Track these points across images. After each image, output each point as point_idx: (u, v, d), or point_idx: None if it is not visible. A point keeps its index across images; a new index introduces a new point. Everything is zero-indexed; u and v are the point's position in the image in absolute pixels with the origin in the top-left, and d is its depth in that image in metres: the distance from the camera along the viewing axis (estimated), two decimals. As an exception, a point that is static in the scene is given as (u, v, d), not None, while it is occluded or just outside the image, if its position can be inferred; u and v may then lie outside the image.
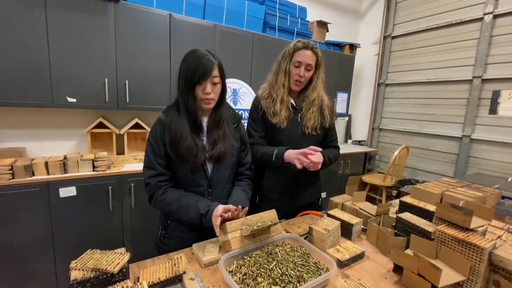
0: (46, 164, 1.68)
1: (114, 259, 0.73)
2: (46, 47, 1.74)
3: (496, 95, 2.61)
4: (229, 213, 0.94)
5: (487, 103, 2.68)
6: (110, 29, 1.91)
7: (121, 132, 2.15)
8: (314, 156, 1.17)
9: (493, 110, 2.63)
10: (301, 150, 1.16)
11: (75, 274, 0.68)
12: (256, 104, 1.34)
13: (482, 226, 0.87)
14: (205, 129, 1.07)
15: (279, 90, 1.28)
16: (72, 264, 0.70)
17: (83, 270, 0.69)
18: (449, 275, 0.77)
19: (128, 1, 1.98)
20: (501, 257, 0.75)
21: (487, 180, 2.26)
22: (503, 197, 1.64)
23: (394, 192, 2.76)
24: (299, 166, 1.16)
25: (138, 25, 2.00)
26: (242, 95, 2.60)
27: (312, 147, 1.16)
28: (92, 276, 0.68)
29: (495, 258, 0.76)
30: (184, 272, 0.78)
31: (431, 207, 1.01)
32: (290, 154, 1.20)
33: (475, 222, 0.86)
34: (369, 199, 3.48)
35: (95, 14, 1.84)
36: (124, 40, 1.97)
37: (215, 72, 1.00)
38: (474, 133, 2.79)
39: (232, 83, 2.51)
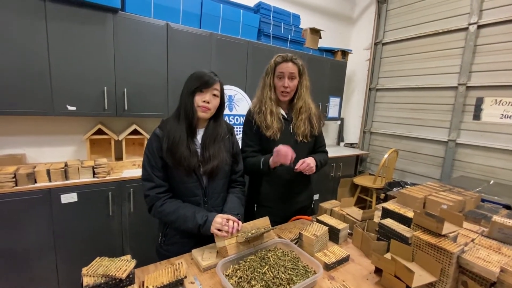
0: (48, 171, 1.73)
1: (122, 265, 0.80)
2: (47, 57, 1.79)
3: (479, 101, 2.74)
4: (226, 228, 1.01)
5: (471, 109, 2.81)
6: (109, 39, 1.96)
7: (120, 138, 2.21)
8: (309, 159, 1.27)
9: (476, 116, 2.77)
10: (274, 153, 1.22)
11: (87, 280, 0.75)
12: (249, 119, 1.41)
13: (454, 232, 0.97)
14: (199, 140, 1.15)
15: (266, 104, 1.35)
16: (84, 271, 0.78)
17: (94, 276, 0.76)
18: (422, 276, 0.86)
19: (127, 11, 2.03)
20: (467, 261, 0.85)
21: (471, 183, 2.38)
22: (483, 200, 1.75)
23: (382, 195, 2.87)
24: (284, 161, 1.19)
25: (136, 34, 2.05)
26: (237, 101, 2.67)
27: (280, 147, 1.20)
28: (102, 281, 0.75)
29: (462, 261, 0.86)
30: (185, 277, 0.86)
31: (410, 214, 1.10)
32: (273, 158, 1.25)
33: (447, 228, 0.95)
34: (360, 200, 3.60)
35: (94, 24, 1.90)
36: (123, 49, 2.02)
37: (217, 86, 1.10)
38: (459, 137, 2.92)
39: (228, 90, 2.58)
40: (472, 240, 1.04)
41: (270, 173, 1.32)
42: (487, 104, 2.69)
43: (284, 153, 1.17)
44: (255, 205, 1.48)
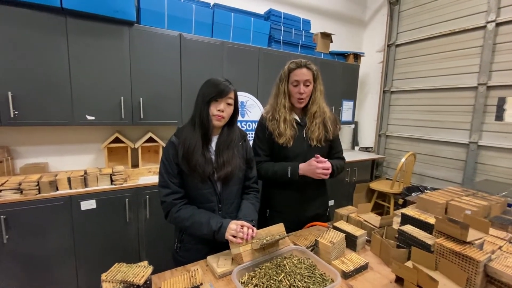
0: (69, 179, 1.80)
1: (139, 272, 0.82)
2: (68, 69, 1.88)
3: (501, 101, 2.62)
4: (241, 234, 1.01)
5: (493, 110, 2.69)
6: (125, 50, 2.04)
7: (136, 146, 2.27)
8: (323, 163, 1.26)
9: (499, 116, 2.64)
10: (310, 162, 1.28)
11: (106, 286, 0.76)
12: (262, 123, 1.41)
13: (479, 239, 0.92)
14: (213, 147, 1.16)
15: (280, 111, 1.35)
16: (103, 276, 0.79)
17: (113, 282, 0.78)
18: (447, 286, 0.82)
19: (142, 24, 2.11)
20: (495, 269, 0.80)
21: (495, 187, 2.27)
22: (509, 205, 1.65)
23: (401, 201, 2.78)
24: (316, 176, 1.27)
25: (151, 45, 2.13)
26: (249, 107, 2.69)
27: (316, 156, 1.27)
28: (121, 287, 0.76)
29: (490, 270, 0.81)
30: (201, 284, 0.86)
31: (431, 220, 1.06)
32: (305, 167, 1.30)
33: (472, 235, 0.91)
34: (377, 206, 3.50)
35: (111, 37, 1.98)
36: (138, 60, 2.09)
37: (231, 94, 1.12)
38: (481, 139, 2.79)
39: (240, 96, 2.60)
40: (500, 248, 0.98)
41: (295, 181, 1.33)
42: (510, 104, 2.57)
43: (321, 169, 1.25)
44: (268, 211, 1.47)
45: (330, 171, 1.28)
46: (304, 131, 1.39)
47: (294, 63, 1.34)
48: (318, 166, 1.25)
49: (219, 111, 1.09)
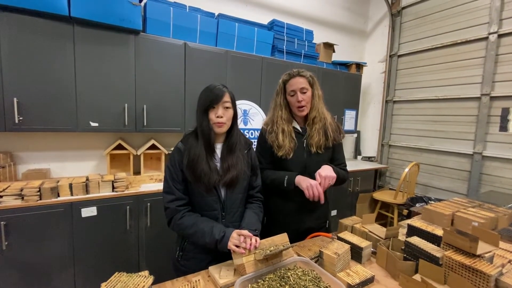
0: (70, 185, 1.79)
1: (140, 282, 0.80)
2: (73, 76, 1.89)
3: (505, 112, 2.61)
4: (244, 244, 0.99)
5: (497, 120, 2.68)
6: (130, 58, 2.06)
7: (138, 153, 2.26)
8: (325, 171, 1.23)
9: (503, 127, 2.63)
10: (311, 182, 1.23)
11: (106, 296, 0.74)
12: (263, 134, 1.41)
13: (489, 252, 0.89)
14: (218, 155, 1.16)
15: (278, 123, 1.35)
16: (103, 286, 0.77)
17: (112, 292, 0.76)
18: (457, 301, 0.80)
19: (147, 33, 2.14)
20: (507, 284, 0.78)
21: (501, 198, 2.23)
22: (517, 217, 1.62)
23: (405, 212, 2.74)
24: (306, 193, 1.23)
25: (156, 54, 2.15)
26: (252, 116, 2.70)
27: (318, 175, 1.23)
28: (120, 298, 0.74)
29: (501, 285, 0.79)
30: (203, 295, 0.83)
31: (439, 232, 1.03)
32: (300, 180, 1.26)
33: (482, 248, 0.89)
34: (380, 216, 3.44)
35: (117, 45, 2.01)
36: (143, 68, 2.12)
37: (227, 97, 1.11)
38: (485, 150, 2.77)
39: (243, 104, 2.61)
40: (510, 262, 0.95)
41: (292, 191, 1.31)
42: (514, 114, 2.56)
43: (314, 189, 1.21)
44: (265, 219, 1.44)
45: (333, 181, 1.25)
46: (304, 139, 1.38)
47: (287, 74, 1.35)
48: (311, 184, 1.22)
49: (218, 117, 1.09)
